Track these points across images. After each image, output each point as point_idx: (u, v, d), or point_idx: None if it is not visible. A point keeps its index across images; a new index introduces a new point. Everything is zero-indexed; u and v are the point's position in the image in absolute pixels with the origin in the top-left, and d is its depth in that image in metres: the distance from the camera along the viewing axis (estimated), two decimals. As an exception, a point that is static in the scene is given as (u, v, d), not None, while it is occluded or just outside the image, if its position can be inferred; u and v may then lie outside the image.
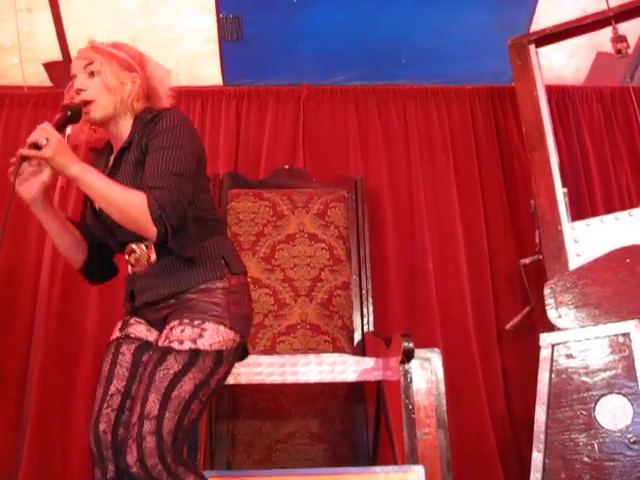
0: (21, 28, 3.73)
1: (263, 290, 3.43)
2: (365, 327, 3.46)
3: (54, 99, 4.10)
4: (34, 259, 3.80)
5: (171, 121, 2.01)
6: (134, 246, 2.05)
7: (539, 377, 2.94)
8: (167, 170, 1.92)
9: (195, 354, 1.86)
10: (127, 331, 2.08)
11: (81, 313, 3.69)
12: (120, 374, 2.01)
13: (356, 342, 3.42)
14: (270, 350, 3.31)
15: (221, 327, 1.92)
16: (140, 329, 2.08)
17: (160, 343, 1.91)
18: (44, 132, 1.89)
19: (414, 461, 2.52)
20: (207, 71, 4.18)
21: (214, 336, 1.90)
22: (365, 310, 3.50)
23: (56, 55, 3.97)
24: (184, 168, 1.96)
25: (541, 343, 2.99)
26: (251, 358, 2.90)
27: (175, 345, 1.87)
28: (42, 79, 4.11)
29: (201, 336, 1.88)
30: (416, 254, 3.88)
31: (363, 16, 3.84)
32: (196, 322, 1.90)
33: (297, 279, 3.48)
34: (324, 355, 3.01)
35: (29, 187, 2.08)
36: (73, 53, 3.93)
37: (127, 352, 2.04)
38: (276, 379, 2.94)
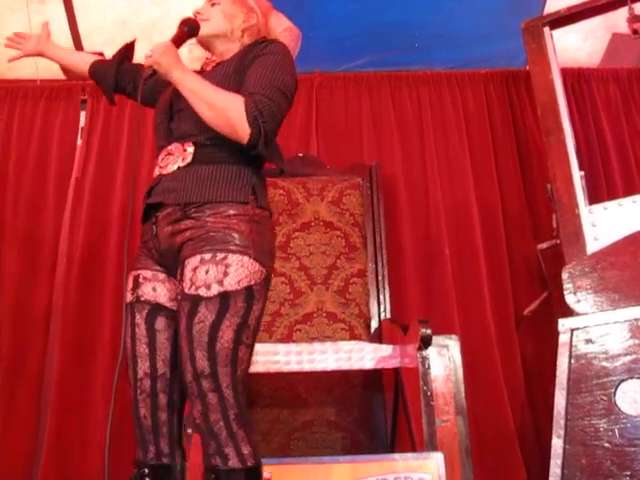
0: (33, 19, 3.72)
1: (279, 279, 3.42)
2: (382, 314, 3.45)
3: (67, 91, 4.12)
4: (50, 252, 3.81)
5: (281, 48, 2.08)
6: (172, 146, 2.04)
7: (558, 362, 2.91)
8: (272, 83, 1.95)
9: (225, 298, 1.83)
10: (137, 293, 2.03)
11: (98, 305, 3.69)
12: (142, 353, 1.98)
13: (373, 330, 3.41)
14: (287, 339, 3.31)
15: (245, 258, 1.87)
16: (148, 290, 2.03)
17: (187, 290, 1.87)
18: (157, 45, 1.99)
19: (433, 448, 2.51)
20: (220, 59, 4.16)
21: (239, 270, 1.85)
22: (382, 297, 3.49)
23: (68, 46, 3.96)
24: (287, 88, 2.00)
25: (560, 328, 2.97)
26: (268, 347, 2.92)
27: (203, 292, 1.83)
28: (55, 71, 4.09)
29: (226, 274, 1.84)
30: (432, 240, 3.87)
31: (375, 2, 3.81)
32: (218, 257, 1.85)
33: (313, 267, 3.47)
34: (341, 343, 3.01)
35: (28, 48, 2.54)
36: (85, 44, 3.94)
37: (141, 322, 2.00)
38: (293, 367, 2.93)
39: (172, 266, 1.99)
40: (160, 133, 2.14)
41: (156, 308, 2.01)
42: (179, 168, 1.99)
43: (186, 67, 1.99)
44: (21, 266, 3.77)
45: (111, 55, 2.54)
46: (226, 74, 2.05)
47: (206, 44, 2.24)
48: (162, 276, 2.04)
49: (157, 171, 2.06)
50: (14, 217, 3.85)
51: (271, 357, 2.92)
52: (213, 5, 2.21)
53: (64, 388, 3.54)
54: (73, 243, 3.80)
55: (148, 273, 2.05)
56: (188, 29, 2.12)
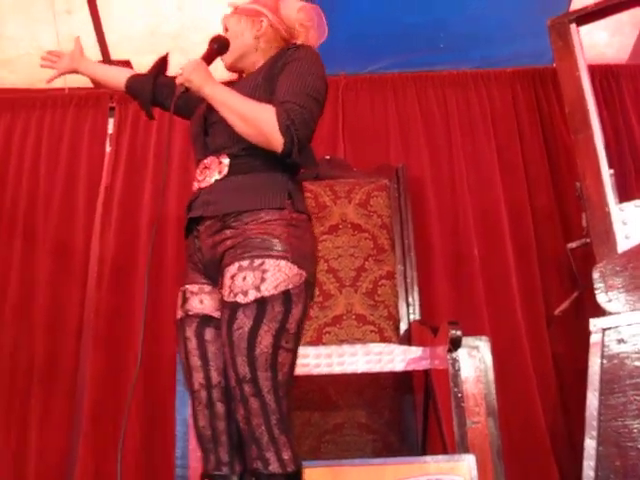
0: (61, 30, 3.77)
1: (308, 282, 3.42)
2: (411, 316, 3.44)
3: (95, 100, 4.16)
4: (81, 259, 3.85)
5: (309, 53, 2.10)
6: (208, 160, 2.07)
7: (590, 363, 2.89)
8: (302, 90, 1.97)
9: (262, 303, 1.83)
10: (186, 308, 2.07)
11: (130, 311, 3.73)
12: (195, 365, 2.01)
13: (402, 331, 3.40)
14: (316, 341, 3.32)
15: (282, 262, 1.87)
16: (195, 303, 2.06)
17: (226, 297, 1.89)
18: (188, 62, 2.03)
19: (464, 450, 2.50)
20: (246, 64, 4.18)
21: (276, 275, 1.86)
22: (411, 299, 3.48)
23: (96, 56, 4.00)
24: (318, 93, 2.02)
25: (591, 328, 2.94)
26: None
27: (240, 299, 1.85)
28: (83, 80, 4.13)
29: (263, 280, 1.85)
30: (461, 241, 3.85)
31: (398, 3, 3.80)
32: (255, 262, 1.86)
33: (341, 270, 3.47)
34: (371, 345, 3.00)
35: (62, 66, 2.58)
36: (113, 53, 3.98)
37: (192, 336, 2.03)
38: (323, 370, 2.93)
39: (216, 277, 2.01)
40: (197, 147, 2.18)
41: (205, 320, 2.04)
42: (216, 181, 2.02)
43: (217, 82, 2.02)
44: (53, 273, 3.82)
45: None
46: (256, 84, 2.07)
47: (235, 69, 2.29)
48: (208, 288, 2.07)
49: (196, 185, 2.09)
50: (45, 225, 3.90)
51: (301, 360, 2.89)
52: (226, 30, 2.26)
53: (98, 392, 3.58)
54: (104, 250, 3.84)
55: (195, 287, 2.09)
56: (218, 46, 2.16)
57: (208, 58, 2.11)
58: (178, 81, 2.02)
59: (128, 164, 4.02)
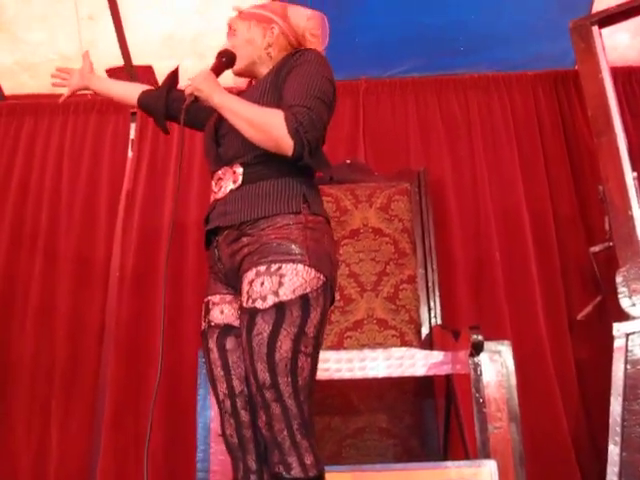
0: (83, 36, 3.80)
1: (329, 286, 3.42)
2: (432, 320, 3.43)
3: (117, 105, 4.17)
4: (102, 264, 3.88)
5: (315, 56, 2.09)
6: (222, 171, 2.07)
7: (613, 368, 2.86)
8: (309, 93, 1.96)
9: (280, 308, 1.83)
10: (208, 319, 2.08)
11: (150, 316, 3.75)
12: (218, 376, 2.02)
13: (424, 336, 3.39)
14: (337, 346, 3.32)
15: (299, 266, 1.87)
16: (217, 314, 2.06)
17: (244, 304, 1.89)
18: (197, 74, 2.04)
19: (486, 455, 2.49)
20: (266, 69, 4.19)
21: (294, 279, 1.85)
22: (432, 303, 3.47)
23: (118, 61, 4.03)
24: (325, 95, 2.01)
25: (615, 333, 2.92)
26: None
27: (259, 304, 1.84)
28: (105, 86, 4.18)
29: (281, 284, 1.84)
30: (482, 244, 3.83)
31: (418, 6, 3.79)
32: (273, 267, 1.86)
33: (362, 274, 3.47)
34: (392, 349, 2.99)
35: (73, 84, 2.57)
36: (135, 57, 4.01)
37: (213, 346, 2.04)
38: (344, 374, 2.93)
39: (237, 285, 2.01)
40: (210, 159, 2.18)
41: (225, 329, 2.04)
42: (231, 191, 2.02)
43: (226, 92, 2.02)
44: (75, 278, 3.85)
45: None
46: (263, 91, 2.07)
47: (244, 75, 2.30)
48: (229, 297, 2.07)
49: (212, 197, 2.10)
50: (67, 230, 3.93)
51: (322, 364, 2.89)
52: (234, 34, 2.24)
53: (118, 397, 3.61)
54: (125, 255, 3.87)
55: (216, 297, 2.09)
56: (226, 60, 2.16)
57: (216, 70, 2.12)
58: (187, 91, 2.03)
59: (150, 169, 4.04)
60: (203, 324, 2.10)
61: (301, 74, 2.01)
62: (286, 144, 1.88)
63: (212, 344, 2.04)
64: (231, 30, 2.25)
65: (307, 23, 2.24)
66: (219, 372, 2.01)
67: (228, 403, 1.99)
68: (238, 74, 2.26)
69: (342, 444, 3.37)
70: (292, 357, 1.82)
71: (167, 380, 3.58)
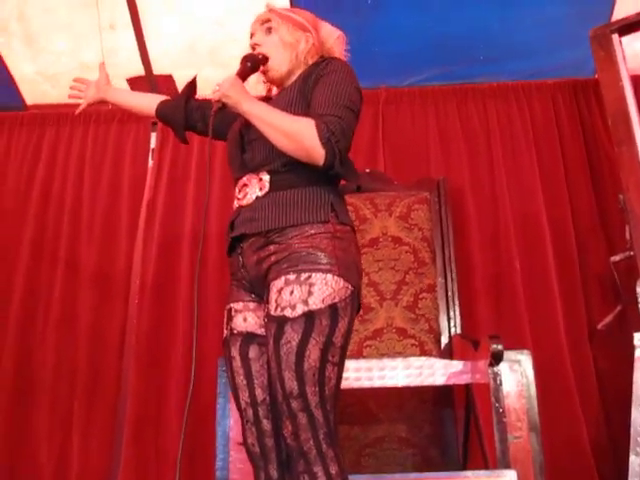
0: (105, 45, 3.83)
1: (348, 295, 3.42)
2: (452, 330, 3.42)
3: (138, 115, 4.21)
4: (123, 274, 3.91)
5: (342, 65, 2.09)
6: (247, 177, 2.06)
7: (634, 378, 2.85)
8: (338, 102, 1.96)
9: (310, 317, 1.83)
10: (230, 326, 2.07)
11: (171, 325, 3.77)
12: (240, 384, 2.01)
13: (443, 345, 3.39)
14: (357, 354, 3.32)
15: (329, 276, 1.86)
16: (239, 321, 2.06)
17: (272, 312, 1.88)
18: (224, 79, 2.03)
19: (506, 465, 2.48)
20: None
21: (323, 289, 1.85)
22: (452, 312, 3.47)
23: (139, 70, 4.07)
24: (354, 104, 2.01)
25: (635, 342, 2.90)
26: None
27: (288, 312, 1.84)
28: (125, 95, 4.21)
29: (310, 293, 1.84)
30: (502, 254, 3.82)
31: (437, 15, 3.79)
32: (302, 277, 1.86)
33: (382, 283, 3.47)
34: (411, 359, 2.99)
35: (89, 96, 2.57)
36: (155, 67, 4.04)
37: (236, 354, 2.03)
38: (364, 383, 2.93)
39: (262, 293, 2.00)
40: (234, 166, 2.17)
41: (248, 338, 2.03)
42: (257, 197, 2.02)
43: (254, 98, 2.02)
44: (96, 287, 3.88)
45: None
46: (291, 99, 2.07)
47: (277, 82, 2.24)
48: (253, 305, 2.06)
49: (236, 203, 2.09)
50: (88, 240, 3.96)
51: (341, 373, 2.92)
52: (269, 32, 2.20)
53: (140, 407, 3.62)
54: (146, 264, 3.89)
55: (239, 305, 2.08)
56: (251, 65, 2.15)
57: (242, 75, 2.11)
58: (215, 97, 2.03)
59: (170, 178, 4.07)
60: (225, 331, 2.09)
61: (330, 83, 2.01)
62: (318, 153, 1.88)
63: (235, 352, 2.03)
64: (264, 26, 2.21)
65: (336, 42, 2.25)
66: (241, 380, 2.01)
67: (250, 412, 1.99)
68: (271, 80, 2.23)
69: (361, 453, 3.36)
70: (320, 366, 1.82)
71: (186, 389, 3.59)
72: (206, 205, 2.41)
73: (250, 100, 2.00)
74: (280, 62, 2.18)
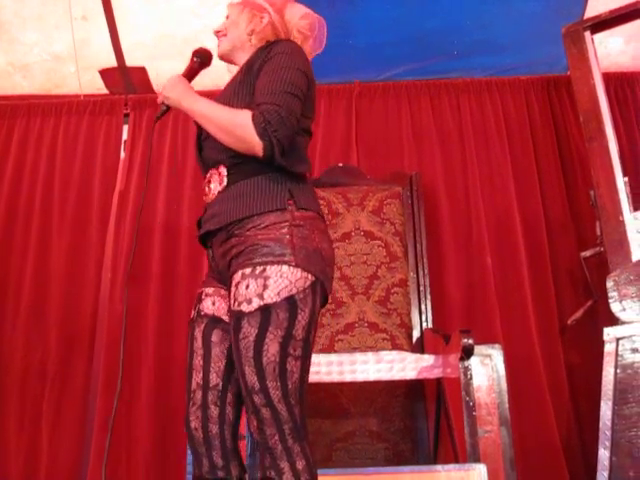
0: (77, 36, 3.79)
1: (320, 289, 3.42)
2: (424, 324, 3.44)
3: (110, 106, 4.18)
4: (94, 265, 3.89)
5: (285, 47, 2.04)
6: (209, 174, 2.05)
7: (604, 372, 2.87)
8: (278, 88, 1.91)
9: (266, 311, 1.79)
10: (198, 308, 2.05)
11: (143, 316, 3.75)
12: (197, 365, 1.98)
13: (415, 339, 3.40)
14: (328, 349, 3.31)
15: (284, 267, 1.82)
16: (207, 304, 2.03)
17: (231, 306, 1.86)
18: (167, 81, 2.04)
19: (476, 459, 2.49)
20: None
21: (279, 281, 1.81)
22: (423, 307, 3.48)
23: (111, 62, 4.03)
24: (295, 88, 1.95)
25: (605, 337, 2.93)
26: (309, 357, 2.92)
27: (244, 307, 1.81)
28: (98, 86, 4.17)
29: (266, 287, 1.80)
30: (474, 249, 3.83)
31: (413, 9, 3.79)
32: (257, 270, 1.82)
33: (354, 277, 3.47)
34: (382, 353, 3.00)
35: None
36: (128, 59, 4.00)
37: (199, 335, 2.00)
38: (334, 378, 2.93)
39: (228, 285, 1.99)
40: (199, 164, 2.16)
41: (213, 321, 2.01)
42: (219, 192, 2.00)
43: (197, 95, 1.99)
44: (67, 277, 3.84)
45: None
46: (234, 87, 2.05)
47: (226, 59, 2.24)
48: (223, 292, 2.04)
49: (204, 200, 2.08)
50: (60, 229, 3.92)
51: (312, 368, 2.88)
52: (227, 18, 2.22)
53: (110, 399, 3.58)
54: (117, 255, 3.87)
55: (210, 289, 2.06)
56: (200, 60, 2.16)
57: (189, 74, 2.11)
58: (158, 100, 2.03)
59: (142, 170, 4.03)
60: (192, 312, 2.07)
61: (272, 68, 1.97)
62: (256, 145, 1.85)
63: (198, 333, 2.01)
64: (227, 13, 2.24)
65: (299, 21, 2.20)
66: (199, 361, 1.98)
67: (199, 395, 1.95)
68: (220, 57, 2.23)
69: (332, 447, 3.36)
70: (280, 361, 1.79)
71: (157, 381, 3.58)
72: (141, 205, 2.36)
73: (190, 98, 1.98)
74: (230, 38, 2.18)
